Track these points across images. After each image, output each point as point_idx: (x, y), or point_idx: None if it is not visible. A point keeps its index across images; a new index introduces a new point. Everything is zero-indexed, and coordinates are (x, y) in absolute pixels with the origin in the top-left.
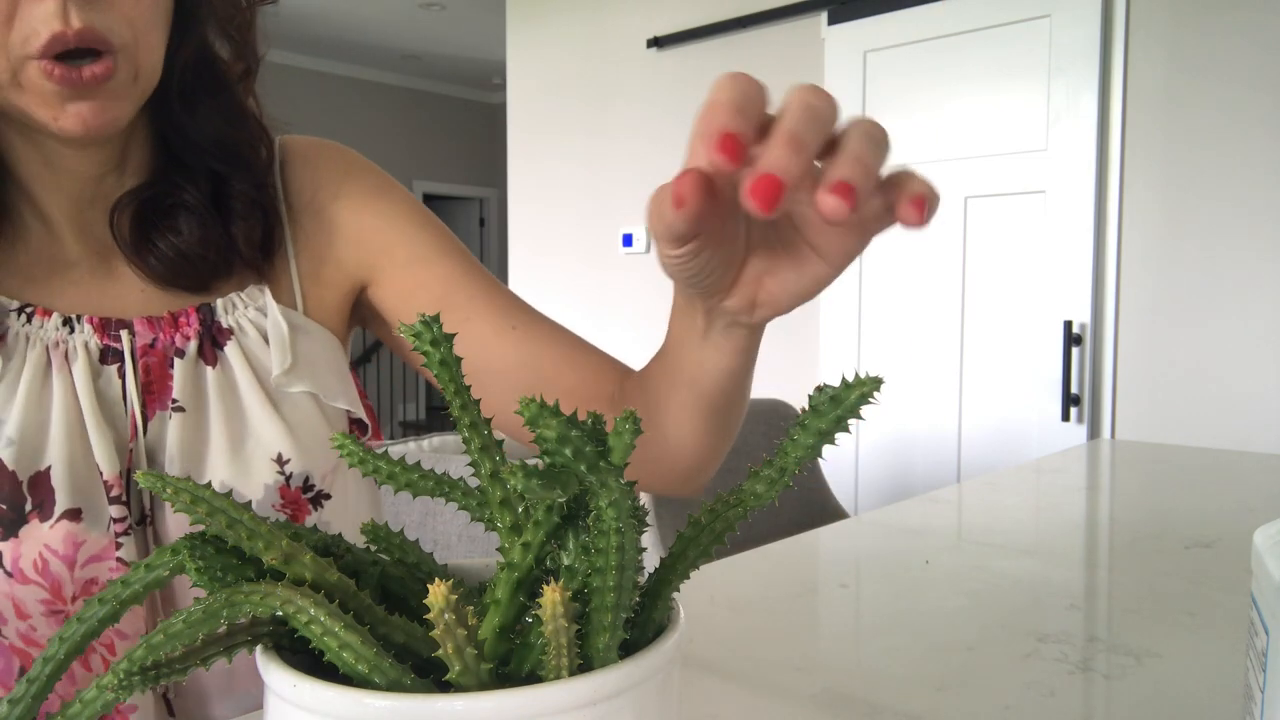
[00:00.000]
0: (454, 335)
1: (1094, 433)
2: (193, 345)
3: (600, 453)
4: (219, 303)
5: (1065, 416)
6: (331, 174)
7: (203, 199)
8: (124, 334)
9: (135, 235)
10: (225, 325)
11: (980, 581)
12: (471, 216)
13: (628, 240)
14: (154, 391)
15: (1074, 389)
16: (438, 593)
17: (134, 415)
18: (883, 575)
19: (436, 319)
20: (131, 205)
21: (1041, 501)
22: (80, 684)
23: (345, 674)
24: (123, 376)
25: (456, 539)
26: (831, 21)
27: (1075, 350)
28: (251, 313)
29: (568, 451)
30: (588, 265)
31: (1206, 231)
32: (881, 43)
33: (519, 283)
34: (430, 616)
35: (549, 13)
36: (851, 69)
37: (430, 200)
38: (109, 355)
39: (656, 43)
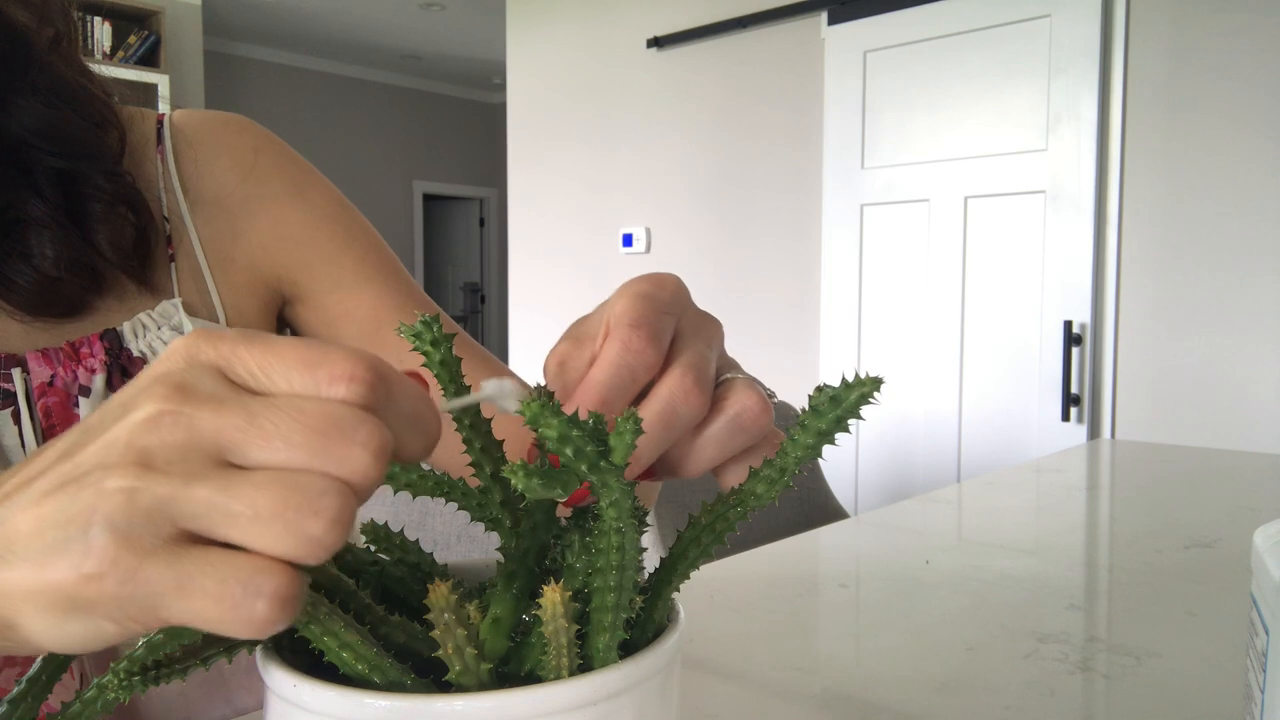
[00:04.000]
0: (454, 335)
1: (1094, 433)
2: (99, 379)
3: (601, 452)
4: (126, 326)
5: (1065, 416)
6: (237, 161)
7: (51, 209)
8: (16, 372)
9: None
10: (136, 352)
11: (980, 581)
12: (471, 216)
13: (627, 240)
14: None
15: (1074, 389)
16: (438, 593)
17: None
18: (883, 575)
19: (436, 319)
20: None
21: (1041, 501)
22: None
23: (345, 674)
24: (18, 421)
25: (456, 539)
26: (831, 21)
27: (1075, 350)
28: (166, 334)
29: (569, 451)
30: (587, 265)
31: (1206, 231)
32: (881, 43)
33: (519, 283)
34: (430, 616)
35: (549, 13)
36: (851, 69)
37: (430, 200)
38: (0, 398)
39: (656, 43)
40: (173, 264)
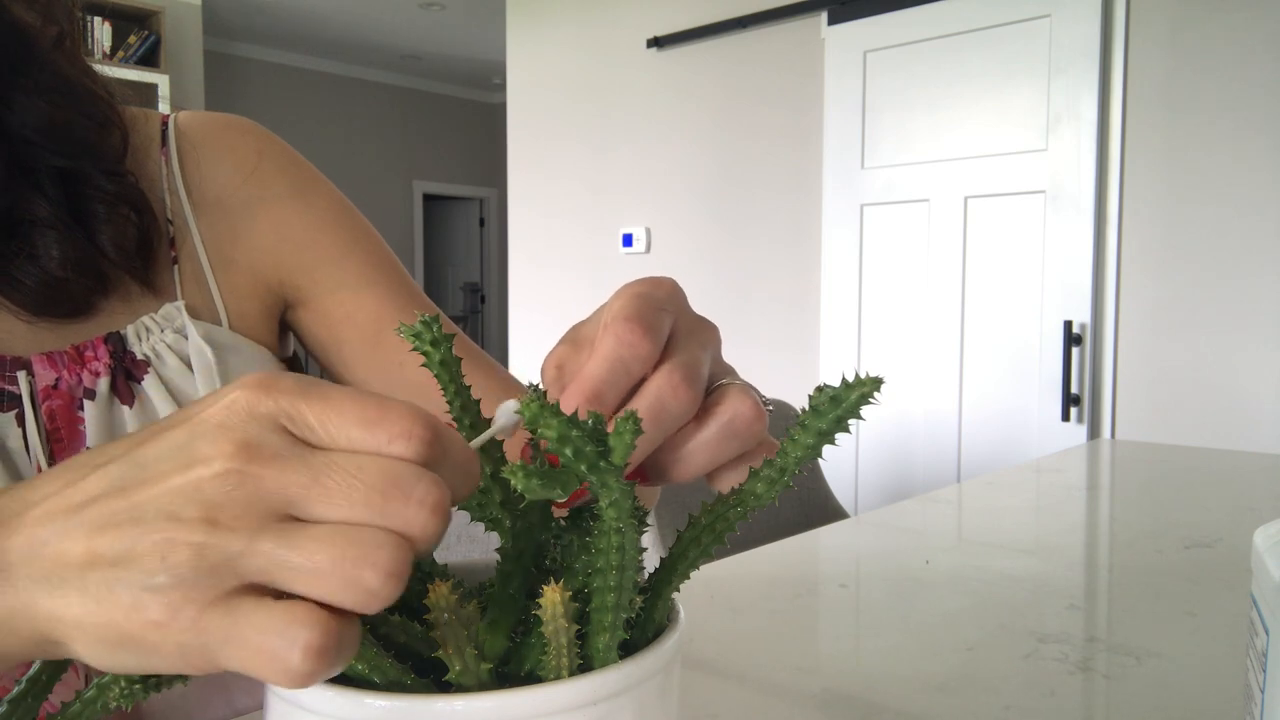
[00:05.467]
0: (454, 335)
1: (1094, 433)
2: (104, 383)
3: (600, 453)
4: (130, 329)
5: (1065, 416)
6: (240, 163)
7: (56, 209)
8: (21, 375)
9: None
10: (140, 355)
11: (980, 581)
12: (471, 216)
13: (627, 240)
14: (62, 440)
15: (1074, 389)
16: (438, 593)
17: (39, 469)
18: (883, 575)
19: (436, 319)
20: None
21: (1041, 501)
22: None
23: (345, 674)
24: (23, 424)
25: (456, 539)
26: (831, 21)
27: (1075, 350)
28: (169, 336)
29: (568, 451)
30: (587, 265)
31: (1206, 231)
32: (881, 43)
33: (519, 283)
34: (430, 616)
35: (549, 13)
36: (851, 69)
37: (430, 200)
38: (4, 400)
39: (656, 43)
40: (175, 266)
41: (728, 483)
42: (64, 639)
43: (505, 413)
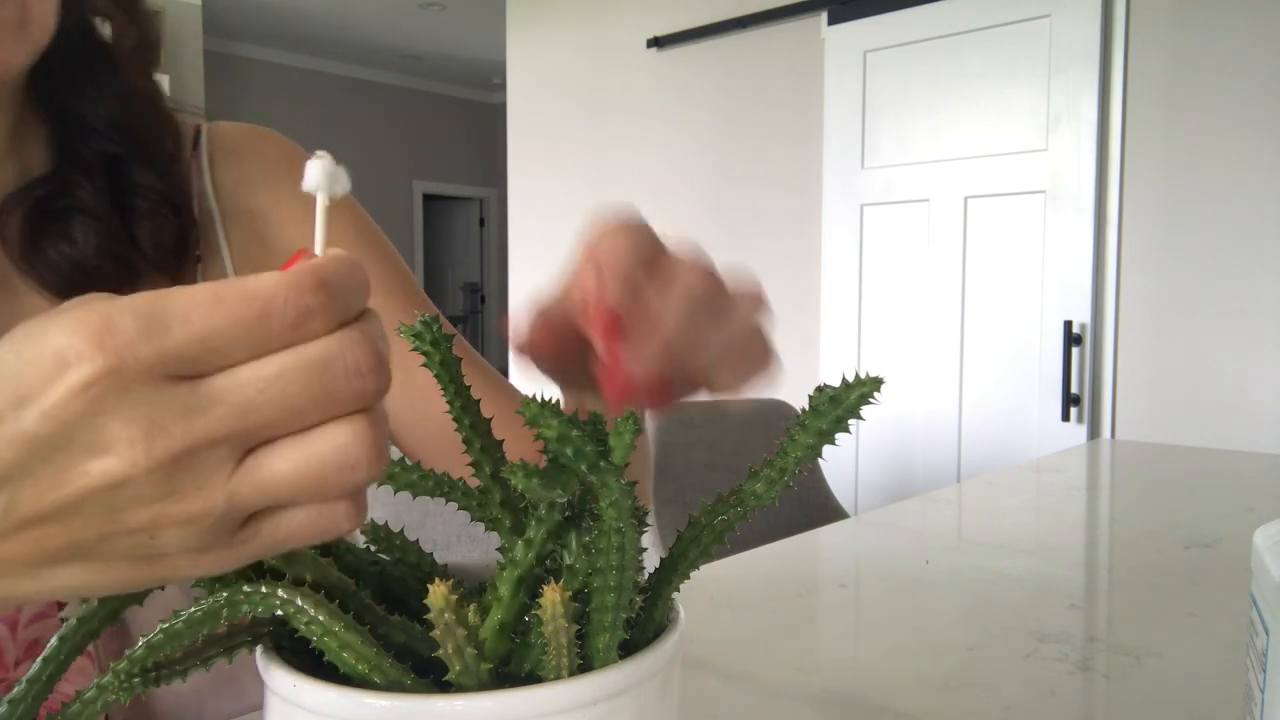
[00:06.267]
0: (454, 336)
1: (1094, 433)
2: None
3: (601, 452)
4: None
5: (1065, 416)
6: (270, 172)
7: (100, 199)
8: None
9: (25, 242)
10: None
11: (980, 581)
12: (471, 216)
13: None
14: None
15: (1074, 389)
16: (438, 593)
17: None
18: (883, 575)
19: (436, 319)
20: (21, 207)
21: (1041, 501)
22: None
23: (345, 674)
24: None
25: (456, 539)
26: (831, 21)
27: (1075, 350)
28: None
29: (568, 451)
30: None
31: (1206, 231)
32: (881, 43)
33: (519, 283)
34: (430, 616)
35: (549, 13)
36: (851, 69)
37: (430, 200)
38: None
39: (656, 43)
40: (200, 266)
41: (724, 380)
42: (82, 597)
43: (314, 177)
